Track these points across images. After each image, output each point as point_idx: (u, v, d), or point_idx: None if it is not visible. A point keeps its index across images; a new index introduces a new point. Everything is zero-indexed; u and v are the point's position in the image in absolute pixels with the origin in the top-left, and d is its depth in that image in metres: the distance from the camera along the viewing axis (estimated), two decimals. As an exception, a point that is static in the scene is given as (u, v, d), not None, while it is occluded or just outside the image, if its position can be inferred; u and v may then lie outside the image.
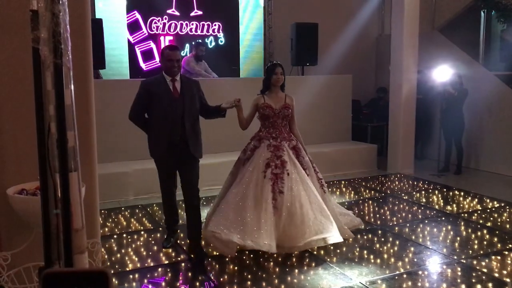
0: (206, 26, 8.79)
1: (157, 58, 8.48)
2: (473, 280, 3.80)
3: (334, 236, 4.16)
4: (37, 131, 1.34)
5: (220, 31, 8.91)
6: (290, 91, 7.69)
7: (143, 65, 8.41)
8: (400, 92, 7.63)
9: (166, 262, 4.22)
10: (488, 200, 6.07)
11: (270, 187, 4.22)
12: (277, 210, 4.15)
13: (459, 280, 3.79)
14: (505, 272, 3.96)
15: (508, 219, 5.36)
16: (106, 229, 5.09)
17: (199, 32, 8.75)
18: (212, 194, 6.38)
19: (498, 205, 5.92)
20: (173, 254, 4.39)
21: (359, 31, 9.34)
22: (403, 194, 6.45)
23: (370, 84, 9.77)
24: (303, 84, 7.78)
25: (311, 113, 7.58)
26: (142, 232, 4.98)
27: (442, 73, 7.26)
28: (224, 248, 4.09)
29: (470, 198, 6.18)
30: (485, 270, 3.99)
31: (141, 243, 4.66)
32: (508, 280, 3.81)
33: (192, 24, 8.69)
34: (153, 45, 8.44)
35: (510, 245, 4.56)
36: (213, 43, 8.90)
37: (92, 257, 2.09)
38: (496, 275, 3.90)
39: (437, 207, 5.84)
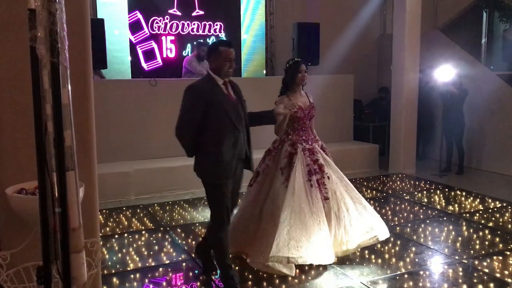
0: (207, 26, 8.78)
1: (159, 58, 8.49)
2: (475, 281, 3.78)
3: (383, 232, 4.08)
4: (35, 130, 1.34)
5: (222, 31, 8.91)
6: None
7: (144, 65, 8.42)
8: (402, 92, 7.62)
9: (167, 262, 4.22)
10: (490, 200, 6.05)
11: (319, 196, 3.92)
12: (327, 218, 3.91)
13: (460, 281, 3.78)
14: (506, 272, 3.94)
15: (510, 219, 5.34)
16: (108, 228, 5.10)
17: (200, 32, 8.75)
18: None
19: (500, 205, 5.90)
20: (174, 254, 4.39)
21: (361, 31, 9.32)
22: (404, 194, 6.43)
23: (372, 84, 9.75)
24: (305, 84, 7.76)
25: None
26: (143, 232, 4.98)
27: (444, 73, 7.24)
28: (284, 269, 3.81)
29: (472, 198, 6.16)
30: (486, 270, 3.98)
31: (142, 243, 4.66)
32: (510, 280, 3.80)
33: (194, 24, 8.69)
34: (154, 45, 8.44)
35: (511, 246, 4.54)
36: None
37: (92, 256, 2.08)
38: (498, 275, 3.89)
39: (438, 207, 5.82)
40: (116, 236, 4.87)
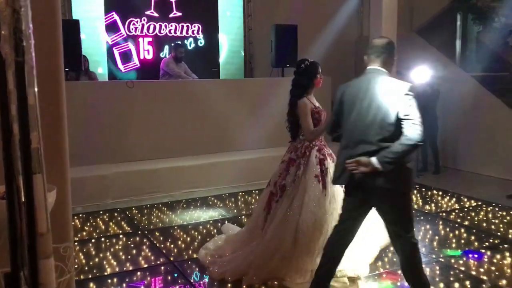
0: (185, 28, 8.73)
1: (136, 60, 8.40)
2: (451, 279, 3.83)
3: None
4: (1, 132, 1.30)
5: (200, 32, 8.87)
6: (271, 92, 7.74)
7: (121, 67, 8.32)
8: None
9: (146, 266, 4.17)
10: (465, 200, 6.14)
11: None
12: None
13: (437, 279, 3.82)
14: (482, 270, 4.00)
15: (484, 218, 5.44)
16: (84, 233, 5.01)
17: (178, 34, 8.69)
18: (192, 197, 6.35)
19: (475, 204, 5.99)
20: (153, 258, 4.34)
21: (338, 34, 9.38)
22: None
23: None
24: (284, 86, 7.69)
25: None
26: (121, 236, 4.91)
27: (420, 74, 7.33)
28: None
29: (448, 198, 6.25)
30: (463, 268, 4.04)
31: (120, 247, 4.59)
32: (485, 278, 3.86)
33: (171, 26, 8.62)
34: (131, 47, 8.36)
35: (487, 244, 4.62)
36: (193, 45, 8.85)
37: (64, 262, 2.04)
38: (474, 273, 3.95)
39: (416, 206, 5.89)
40: (93, 240, 4.79)
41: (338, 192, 3.73)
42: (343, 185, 3.26)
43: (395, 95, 2.96)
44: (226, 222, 5.25)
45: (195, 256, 4.30)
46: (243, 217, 5.53)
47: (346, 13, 9.59)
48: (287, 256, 3.69)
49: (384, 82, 3.05)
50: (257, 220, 4.04)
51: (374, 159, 2.92)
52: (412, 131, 2.90)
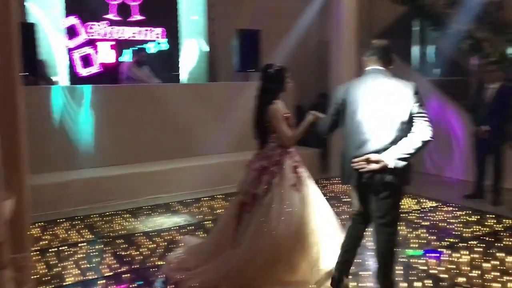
0: (147, 32, 8.64)
1: (97, 64, 8.25)
2: (412, 278, 3.93)
3: None
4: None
5: (162, 36, 8.79)
6: (234, 97, 7.75)
7: (81, 71, 8.15)
8: (341, 97, 7.81)
9: (108, 274, 4.09)
10: (425, 200, 6.32)
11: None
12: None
13: (398, 279, 3.90)
14: (441, 268, 4.12)
15: (443, 218, 5.61)
16: (45, 242, 4.87)
17: (140, 38, 8.59)
18: (155, 203, 6.27)
19: (434, 204, 6.17)
20: (115, 266, 4.25)
21: (300, 38, 9.49)
22: (345, 197, 6.59)
23: (312, 90, 9.93)
24: (247, 90, 7.73)
25: (255, 118, 7.60)
26: (82, 244, 4.79)
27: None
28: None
29: (408, 199, 6.40)
30: (423, 267, 4.15)
31: (81, 256, 4.49)
32: (444, 276, 3.98)
33: (133, 29, 8.52)
34: (92, 51, 8.20)
35: (445, 243, 4.76)
36: (155, 49, 8.77)
37: (22, 272, 1.97)
38: (434, 272, 4.06)
39: (377, 208, 6.00)
40: (53, 249, 4.66)
41: (313, 198, 3.72)
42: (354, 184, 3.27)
43: (405, 94, 3.01)
44: (189, 229, 5.21)
45: (159, 263, 4.24)
46: (207, 222, 5.50)
47: (307, 18, 9.72)
48: (263, 268, 3.55)
49: (390, 81, 3.11)
50: (225, 231, 3.84)
51: (386, 157, 2.98)
52: (425, 128, 2.98)
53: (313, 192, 3.78)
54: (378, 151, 3.01)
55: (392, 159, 2.97)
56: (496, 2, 8.82)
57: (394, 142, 3.01)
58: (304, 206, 3.66)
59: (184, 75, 9.09)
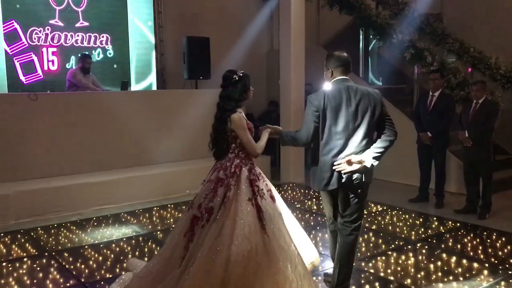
0: (93, 38, 8.42)
1: (39, 71, 7.94)
2: (362, 281, 4.02)
3: None
4: None
5: (108, 43, 8.59)
6: (184, 104, 7.68)
7: (23, 78, 7.82)
8: (290, 105, 7.93)
9: (53, 289, 3.92)
10: (372, 205, 6.49)
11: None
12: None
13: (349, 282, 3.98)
14: (389, 271, 4.24)
15: (390, 221, 5.78)
16: (-18, 258, 4.60)
17: (85, 44, 8.35)
18: (103, 214, 6.09)
19: (381, 208, 6.35)
20: (62, 280, 4.08)
21: (250, 46, 9.57)
22: (296, 203, 6.67)
23: (262, 98, 10.02)
24: (197, 98, 7.76)
25: (205, 126, 7.52)
26: (26, 259, 4.57)
27: (327, 86, 7.67)
28: None
29: (356, 204, 6.55)
30: (372, 270, 4.25)
31: (25, 271, 4.27)
32: (392, 278, 4.09)
33: (78, 36, 8.27)
34: (34, 57, 7.89)
35: (393, 246, 4.91)
36: (101, 55, 8.55)
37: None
38: (382, 274, 4.17)
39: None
40: (-7, 266, 4.41)
41: (273, 213, 3.42)
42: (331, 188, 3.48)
43: (375, 99, 3.39)
44: (139, 240, 5.09)
45: (108, 276, 4.11)
46: (158, 233, 5.40)
47: (257, 27, 9.82)
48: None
49: (360, 88, 3.46)
50: (174, 249, 3.45)
51: (366, 157, 3.33)
52: (393, 129, 3.45)
53: (278, 206, 3.52)
54: (356, 153, 3.35)
55: (369, 159, 3.32)
56: (435, 14, 9.28)
57: (367, 144, 3.36)
58: (260, 223, 3.33)
59: (132, 83, 8.90)
